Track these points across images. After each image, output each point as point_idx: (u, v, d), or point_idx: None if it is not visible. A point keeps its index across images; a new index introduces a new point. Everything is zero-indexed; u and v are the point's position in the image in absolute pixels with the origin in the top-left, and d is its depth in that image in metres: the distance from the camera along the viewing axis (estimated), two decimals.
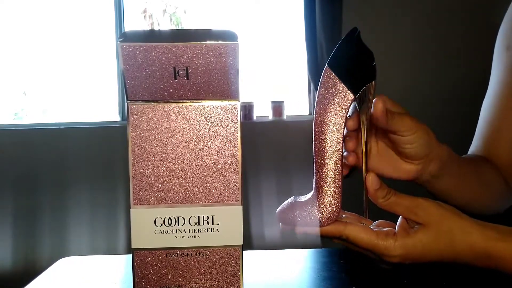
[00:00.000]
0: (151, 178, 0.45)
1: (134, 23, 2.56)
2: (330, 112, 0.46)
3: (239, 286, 0.47)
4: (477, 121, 0.71)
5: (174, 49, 0.43)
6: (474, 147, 0.70)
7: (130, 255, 0.46)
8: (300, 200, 0.48)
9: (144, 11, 2.70)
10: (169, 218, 0.46)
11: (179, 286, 0.47)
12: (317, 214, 0.46)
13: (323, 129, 0.46)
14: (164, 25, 2.70)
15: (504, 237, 0.46)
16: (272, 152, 2.22)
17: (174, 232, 0.46)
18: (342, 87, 0.46)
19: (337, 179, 0.46)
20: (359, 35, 0.46)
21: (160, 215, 0.46)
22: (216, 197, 0.46)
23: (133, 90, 0.44)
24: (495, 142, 0.67)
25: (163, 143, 0.45)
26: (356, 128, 0.48)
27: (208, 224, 0.46)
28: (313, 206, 0.47)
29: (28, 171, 2.27)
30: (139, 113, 0.45)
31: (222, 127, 0.46)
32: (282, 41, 2.58)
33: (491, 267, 0.47)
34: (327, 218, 0.46)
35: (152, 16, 2.71)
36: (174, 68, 0.43)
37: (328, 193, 0.46)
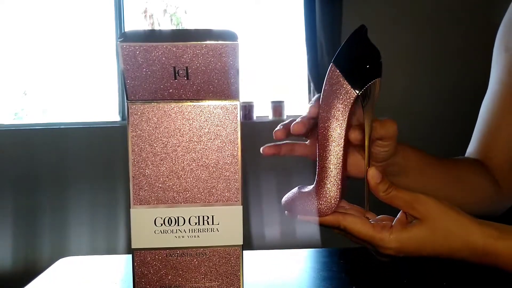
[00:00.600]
0: (151, 178, 0.45)
1: (134, 23, 2.56)
2: (333, 108, 0.47)
3: (239, 286, 0.47)
4: (476, 121, 0.71)
5: (174, 49, 0.43)
6: (471, 148, 0.70)
7: (130, 255, 0.46)
8: (303, 191, 0.49)
9: (145, 11, 2.70)
10: (169, 218, 0.46)
11: (179, 286, 0.47)
12: (316, 205, 0.47)
13: (326, 124, 0.47)
14: (165, 25, 2.70)
15: (503, 234, 0.46)
16: None
17: (174, 232, 0.46)
18: (345, 84, 0.46)
19: (337, 173, 0.47)
20: (366, 32, 0.47)
21: (160, 215, 0.46)
22: (216, 197, 0.46)
23: (133, 90, 0.44)
24: (491, 142, 0.67)
25: (163, 143, 0.45)
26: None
27: (208, 224, 0.46)
28: (314, 197, 0.48)
29: (28, 171, 2.28)
30: (139, 113, 0.45)
31: (222, 127, 0.46)
32: (282, 41, 2.58)
33: (488, 264, 0.47)
34: (325, 210, 0.47)
35: (152, 16, 2.72)
36: (174, 68, 0.43)
37: (328, 186, 0.47)
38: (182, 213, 0.46)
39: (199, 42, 0.42)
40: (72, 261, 0.68)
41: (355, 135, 0.47)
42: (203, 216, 0.46)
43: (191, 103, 0.45)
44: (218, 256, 0.47)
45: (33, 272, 0.66)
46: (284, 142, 0.56)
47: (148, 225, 0.46)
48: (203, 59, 0.43)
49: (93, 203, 2.27)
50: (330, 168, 0.47)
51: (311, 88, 2.44)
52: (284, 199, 0.50)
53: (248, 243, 2.17)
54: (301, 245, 2.19)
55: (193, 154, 0.46)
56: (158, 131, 0.45)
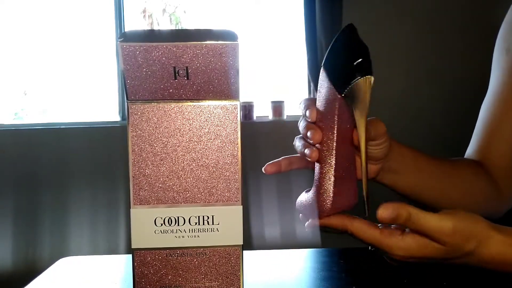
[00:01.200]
0: (151, 178, 0.45)
1: (134, 23, 2.56)
2: (323, 112, 0.47)
3: (239, 286, 0.47)
4: (475, 122, 0.71)
5: (174, 49, 0.43)
6: (470, 149, 0.70)
7: (130, 255, 0.46)
8: (306, 193, 0.49)
9: (144, 11, 2.70)
10: (169, 218, 0.46)
11: (179, 286, 0.47)
12: (313, 209, 0.47)
13: (320, 128, 0.47)
14: (164, 25, 2.70)
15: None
16: (272, 152, 2.22)
17: (174, 232, 0.46)
18: (330, 86, 0.45)
19: (330, 175, 0.46)
20: (352, 31, 0.45)
21: (160, 215, 0.46)
22: (216, 197, 0.46)
23: (133, 90, 0.44)
24: (491, 143, 0.67)
25: (163, 143, 0.45)
26: (315, 119, 0.47)
27: (208, 224, 0.46)
28: (312, 200, 0.48)
29: (28, 171, 2.27)
30: (139, 113, 0.45)
31: (222, 127, 0.46)
32: (282, 41, 2.58)
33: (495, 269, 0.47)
34: (321, 212, 0.47)
35: (151, 15, 2.72)
36: (174, 68, 0.43)
37: (321, 191, 0.47)
38: (182, 213, 0.46)
39: (199, 42, 0.43)
40: (72, 261, 0.68)
41: (355, 137, 0.47)
42: (203, 216, 0.46)
43: (191, 103, 0.45)
44: (218, 256, 0.47)
45: (33, 272, 0.66)
46: (282, 157, 0.56)
47: (148, 225, 0.46)
48: (203, 59, 0.43)
49: (93, 203, 2.27)
50: (322, 171, 0.47)
51: (311, 88, 2.44)
52: (297, 202, 0.50)
53: (248, 243, 2.17)
54: (301, 245, 2.19)
55: (193, 154, 0.46)
56: (158, 131, 0.45)
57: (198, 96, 0.45)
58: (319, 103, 0.47)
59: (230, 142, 0.46)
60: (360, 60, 0.43)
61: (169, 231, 0.46)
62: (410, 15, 2.38)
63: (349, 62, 0.44)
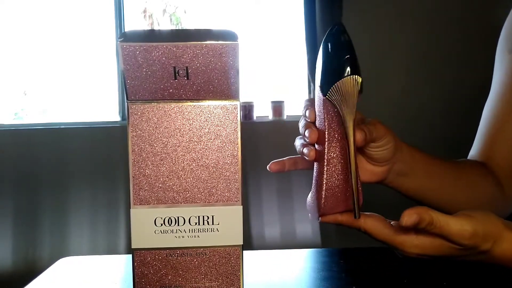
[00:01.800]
0: (151, 178, 0.45)
1: (134, 23, 2.56)
2: (316, 114, 0.48)
3: (239, 286, 0.47)
4: (478, 122, 0.71)
5: (174, 49, 0.43)
6: (473, 150, 0.70)
7: (130, 255, 0.46)
8: (312, 192, 0.50)
9: (144, 11, 2.70)
10: (169, 218, 0.46)
11: (179, 286, 0.47)
12: (315, 207, 0.48)
13: (317, 131, 0.48)
14: (164, 25, 2.70)
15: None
16: (272, 152, 2.22)
17: (174, 232, 0.46)
18: (317, 88, 0.46)
19: (325, 176, 0.47)
20: (338, 32, 0.44)
21: (160, 215, 0.46)
22: (216, 197, 0.46)
23: (133, 90, 0.44)
24: (494, 144, 0.67)
25: (163, 143, 0.45)
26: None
27: (208, 224, 0.46)
28: (313, 199, 0.49)
29: (28, 171, 2.27)
30: (139, 113, 0.45)
31: (222, 127, 0.46)
32: (282, 41, 2.58)
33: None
34: (320, 213, 0.48)
35: (152, 16, 2.71)
36: (174, 68, 0.43)
37: (317, 189, 0.48)
38: (182, 213, 0.46)
39: (199, 42, 0.42)
40: (72, 261, 0.68)
41: (357, 137, 0.47)
42: (203, 216, 0.46)
43: (191, 103, 0.45)
44: (218, 256, 0.47)
45: (33, 272, 0.66)
46: (287, 157, 0.56)
47: (148, 225, 0.46)
48: (203, 59, 0.43)
49: (93, 203, 2.27)
50: (319, 171, 0.47)
51: (311, 88, 2.44)
52: (307, 200, 0.51)
53: (248, 243, 2.17)
54: (301, 245, 2.19)
55: (193, 154, 0.46)
56: (158, 131, 0.45)
57: (198, 96, 0.45)
58: (315, 104, 0.48)
59: (230, 142, 0.46)
60: (344, 59, 0.42)
61: (169, 231, 0.46)
62: (410, 15, 2.38)
63: (330, 63, 0.43)
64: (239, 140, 0.46)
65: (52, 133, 2.31)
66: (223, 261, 0.47)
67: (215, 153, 0.46)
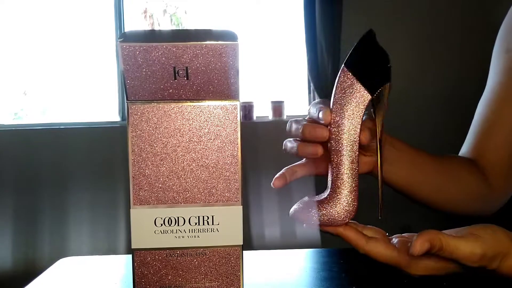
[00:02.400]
0: (151, 178, 0.45)
1: (134, 23, 2.56)
2: (347, 112, 0.46)
3: (239, 286, 0.47)
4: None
5: (174, 49, 0.43)
6: (464, 148, 0.71)
7: (130, 255, 0.46)
8: (316, 199, 0.48)
9: (145, 11, 2.70)
10: (169, 218, 0.46)
11: (179, 286, 0.47)
12: (334, 214, 0.47)
13: (340, 129, 0.46)
14: (165, 25, 2.70)
15: None
16: (272, 152, 2.22)
17: (174, 232, 0.46)
18: (359, 87, 0.46)
19: (353, 178, 0.46)
20: (375, 37, 0.47)
21: (160, 215, 0.46)
22: (216, 197, 0.46)
23: (133, 90, 0.44)
24: (485, 141, 0.67)
25: (163, 143, 0.45)
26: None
27: (208, 224, 0.46)
28: (330, 205, 0.47)
29: (28, 171, 2.28)
30: (139, 113, 0.45)
31: (222, 127, 0.46)
32: (282, 41, 2.58)
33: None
34: (343, 217, 0.47)
35: (152, 16, 2.72)
36: (174, 68, 0.43)
37: (345, 192, 0.46)
38: (182, 213, 0.46)
39: (199, 42, 0.42)
40: (72, 261, 0.68)
41: (365, 136, 0.47)
42: (203, 216, 0.46)
43: (191, 103, 0.45)
44: (218, 256, 0.47)
45: (33, 272, 0.66)
46: (284, 168, 0.56)
47: (148, 225, 0.46)
48: (203, 59, 0.43)
49: (93, 203, 2.27)
50: (346, 173, 0.46)
51: (311, 88, 2.44)
52: (294, 210, 0.49)
53: (248, 243, 2.17)
54: (301, 245, 2.19)
55: (193, 154, 0.46)
56: (158, 131, 0.45)
57: (198, 96, 0.45)
58: (340, 103, 0.47)
59: (230, 142, 0.46)
60: (389, 66, 0.47)
61: (169, 231, 0.46)
62: (410, 15, 2.38)
63: (379, 67, 0.47)
64: (239, 140, 0.46)
65: (52, 133, 2.31)
66: (223, 261, 0.47)
67: (215, 153, 0.46)
